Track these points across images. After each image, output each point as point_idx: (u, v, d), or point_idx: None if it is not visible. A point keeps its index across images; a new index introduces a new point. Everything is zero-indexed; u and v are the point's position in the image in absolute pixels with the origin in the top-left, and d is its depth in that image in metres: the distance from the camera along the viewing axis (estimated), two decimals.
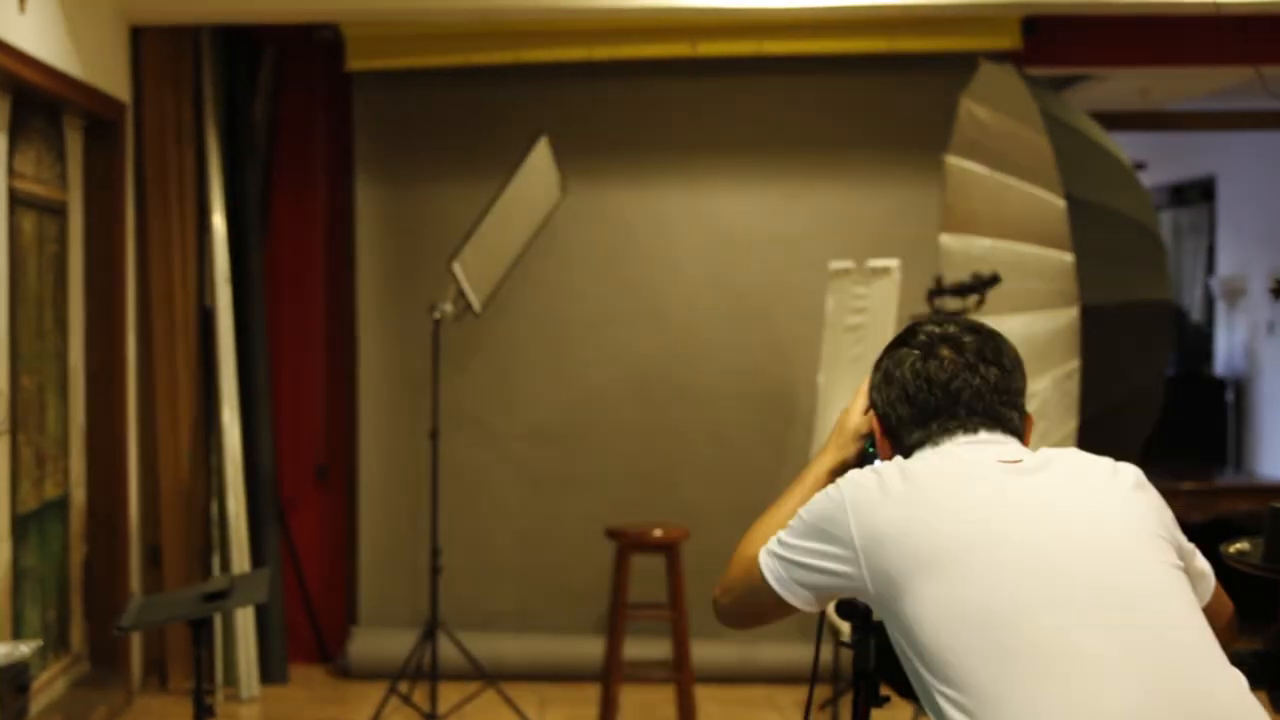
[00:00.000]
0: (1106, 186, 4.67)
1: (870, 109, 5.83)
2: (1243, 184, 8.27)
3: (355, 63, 5.63)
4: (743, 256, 5.84)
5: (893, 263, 5.12)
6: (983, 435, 1.91)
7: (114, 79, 5.20)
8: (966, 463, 1.87)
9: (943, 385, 1.93)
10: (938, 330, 1.99)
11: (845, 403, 5.18)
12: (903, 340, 2.01)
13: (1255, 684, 1.77)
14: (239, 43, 5.67)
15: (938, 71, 5.53)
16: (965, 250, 5.02)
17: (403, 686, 5.14)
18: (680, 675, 4.94)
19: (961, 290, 4.84)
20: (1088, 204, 4.48)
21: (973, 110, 4.93)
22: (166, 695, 5.41)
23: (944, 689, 1.70)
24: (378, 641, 5.67)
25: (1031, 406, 4.69)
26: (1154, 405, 4.72)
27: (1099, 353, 4.42)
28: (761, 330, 5.82)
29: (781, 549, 1.92)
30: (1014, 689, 1.65)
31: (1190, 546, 1.88)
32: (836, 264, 5.27)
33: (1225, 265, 8.49)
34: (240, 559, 5.41)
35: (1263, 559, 2.48)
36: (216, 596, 3.43)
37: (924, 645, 1.73)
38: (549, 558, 5.85)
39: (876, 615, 1.90)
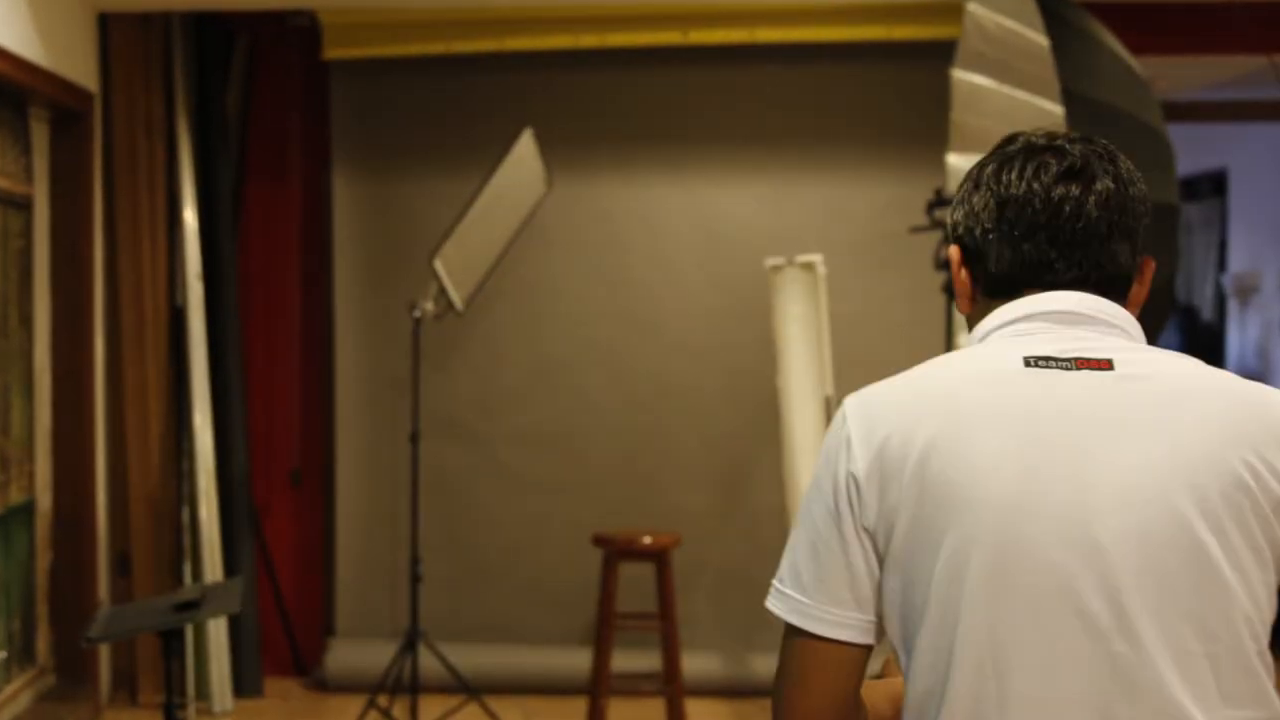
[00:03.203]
0: (1107, 83, 4.45)
1: (867, 99, 5.69)
2: (1255, 177, 8.13)
3: (332, 51, 5.51)
4: (734, 251, 5.69)
5: (816, 258, 5.02)
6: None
7: (81, 68, 5.07)
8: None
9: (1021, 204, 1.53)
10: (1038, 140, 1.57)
11: (808, 402, 5.07)
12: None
13: None
14: (211, 31, 5.56)
15: (936, 60, 5.36)
16: None
17: (382, 700, 5.06)
18: (670, 688, 4.84)
19: None
20: (1086, 100, 4.27)
21: (977, 16, 4.73)
22: (136, 709, 5.30)
23: None
24: (356, 653, 5.56)
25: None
26: (1165, 305, 4.52)
27: None
28: (755, 328, 5.64)
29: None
30: None
31: None
32: (771, 260, 5.15)
33: (1237, 261, 8.36)
34: (212, 567, 5.31)
35: None
36: (188, 606, 3.39)
37: None
38: (534, 566, 5.72)
39: None
